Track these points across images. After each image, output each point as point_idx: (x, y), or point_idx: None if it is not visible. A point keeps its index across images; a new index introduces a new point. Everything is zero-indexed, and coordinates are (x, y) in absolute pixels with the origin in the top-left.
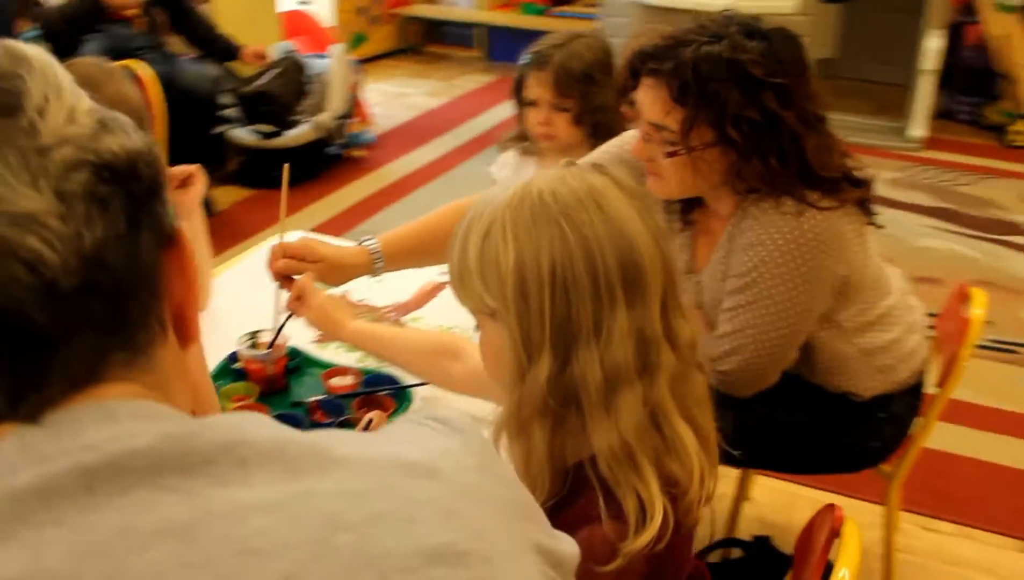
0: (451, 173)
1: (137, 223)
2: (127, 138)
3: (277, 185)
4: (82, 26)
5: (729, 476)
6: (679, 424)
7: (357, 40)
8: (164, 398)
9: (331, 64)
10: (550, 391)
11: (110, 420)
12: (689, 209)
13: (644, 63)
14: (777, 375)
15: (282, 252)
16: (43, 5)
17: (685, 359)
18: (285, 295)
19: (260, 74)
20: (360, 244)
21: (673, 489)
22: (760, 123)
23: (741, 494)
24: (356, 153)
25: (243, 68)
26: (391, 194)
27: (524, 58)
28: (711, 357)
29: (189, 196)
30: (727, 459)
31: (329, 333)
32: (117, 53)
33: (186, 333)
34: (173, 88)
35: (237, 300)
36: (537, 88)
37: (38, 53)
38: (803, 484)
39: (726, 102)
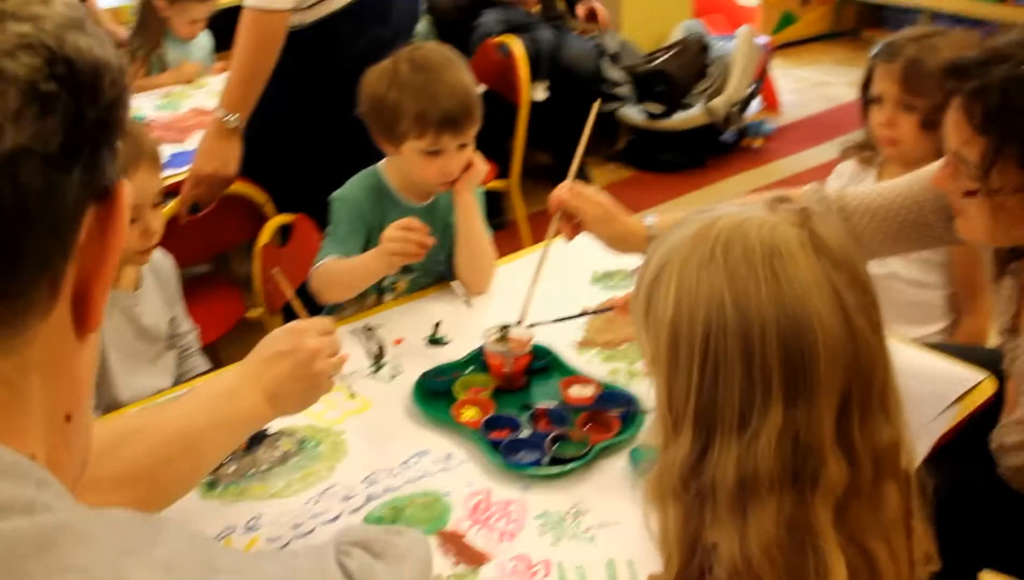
0: None
1: (74, 152)
2: (100, 46)
3: (661, 169)
4: (469, 14)
5: None
6: (832, 553)
7: (785, 21)
8: (7, 400)
9: (735, 46)
10: (682, 477)
11: None
12: (1016, 257)
13: (948, 79)
14: None
15: (569, 186)
16: None
17: (868, 474)
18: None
19: (659, 52)
20: (639, 218)
21: None
22: None
23: None
24: (753, 142)
25: (643, 45)
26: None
27: (874, 49)
28: (1002, 444)
29: (461, 180)
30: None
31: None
32: (511, 27)
33: (85, 316)
34: (559, 63)
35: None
36: (884, 82)
37: None
38: None
39: None
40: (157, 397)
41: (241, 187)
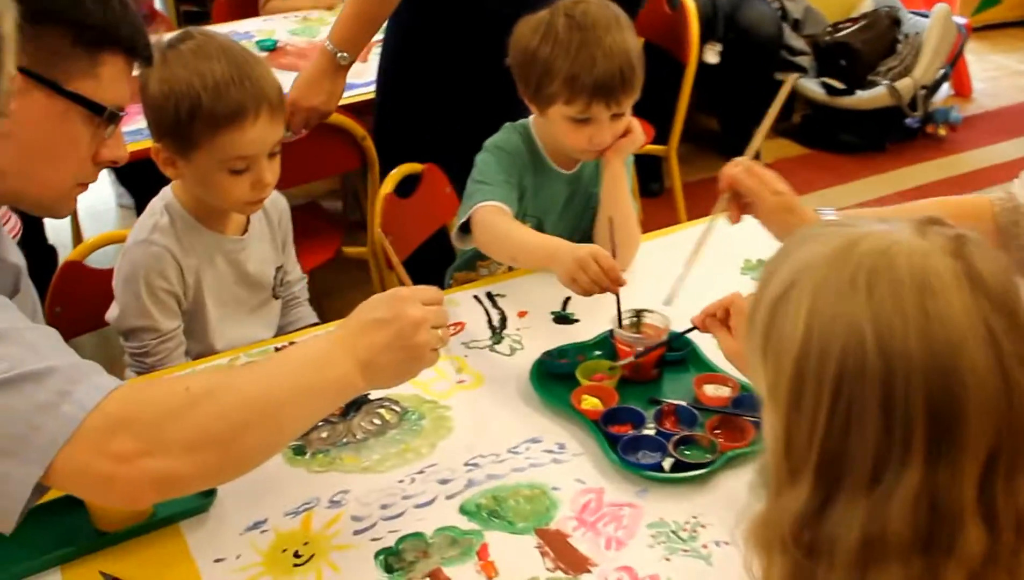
0: None
1: None
2: None
3: (838, 150)
4: None
5: None
6: None
7: (987, 1)
8: None
9: (930, 24)
10: (795, 530)
11: None
12: None
13: None
14: None
15: (744, 165)
16: None
17: (1010, 539)
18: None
19: (845, 23)
20: (816, 212)
21: None
22: None
23: None
24: (938, 130)
25: (829, 14)
26: (962, 186)
27: None
28: None
29: (612, 147)
30: None
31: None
32: None
33: None
34: (736, 24)
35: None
36: None
37: None
38: None
39: None
40: (253, 347)
41: (340, 119)
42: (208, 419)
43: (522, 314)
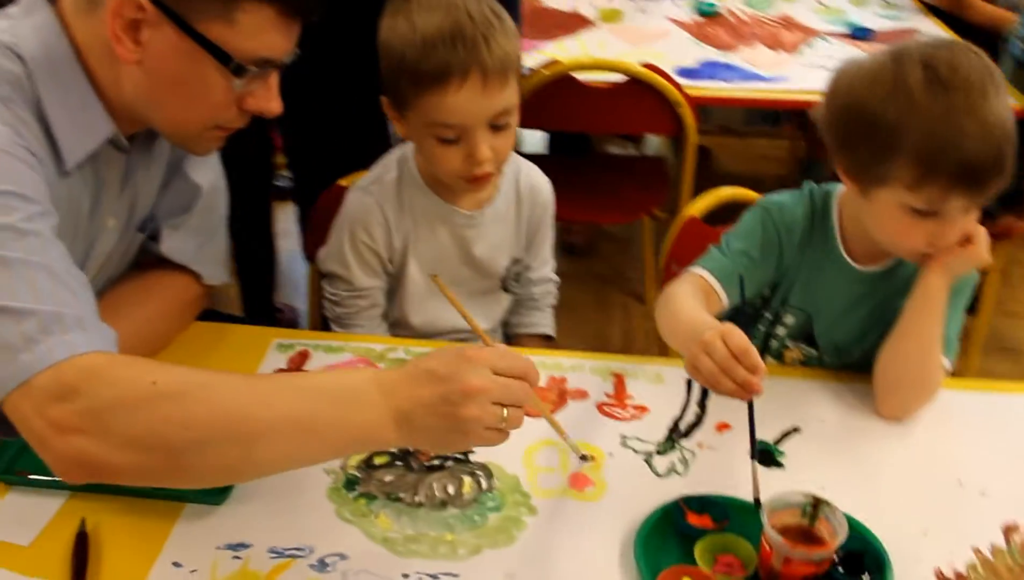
0: None
1: None
2: None
3: None
4: None
5: None
6: None
7: None
8: None
9: None
10: None
11: None
12: None
13: None
14: None
15: None
16: None
17: None
18: None
19: None
20: None
21: None
22: None
23: None
24: None
25: None
26: None
27: None
28: None
29: (939, 256)
30: None
31: None
32: None
33: None
34: None
35: None
36: None
37: None
38: None
39: None
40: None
41: (656, 79)
42: (160, 423)
43: (722, 427)
